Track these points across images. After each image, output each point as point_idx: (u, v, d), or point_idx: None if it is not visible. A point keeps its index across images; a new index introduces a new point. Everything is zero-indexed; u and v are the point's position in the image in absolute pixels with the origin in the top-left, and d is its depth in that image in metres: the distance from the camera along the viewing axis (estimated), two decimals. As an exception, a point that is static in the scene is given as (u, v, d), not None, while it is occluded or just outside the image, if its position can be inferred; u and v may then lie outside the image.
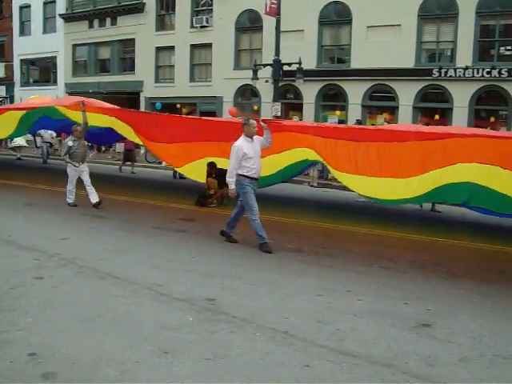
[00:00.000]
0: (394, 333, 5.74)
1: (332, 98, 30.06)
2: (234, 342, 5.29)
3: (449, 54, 27.14)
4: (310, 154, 11.12)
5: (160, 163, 25.19)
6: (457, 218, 13.62)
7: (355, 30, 28.30)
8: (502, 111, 26.22)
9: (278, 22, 23.75)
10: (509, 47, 25.78)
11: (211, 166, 13.79)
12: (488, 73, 25.34)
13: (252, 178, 9.31)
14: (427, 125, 21.54)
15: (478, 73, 25.58)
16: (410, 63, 26.97)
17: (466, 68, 25.70)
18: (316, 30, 29.34)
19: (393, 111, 28.00)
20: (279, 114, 24.35)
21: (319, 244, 9.13)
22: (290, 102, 30.75)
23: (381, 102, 28.59)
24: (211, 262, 8.38)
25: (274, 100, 24.66)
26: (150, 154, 25.54)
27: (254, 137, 9.41)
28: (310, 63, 28.01)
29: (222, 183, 13.84)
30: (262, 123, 9.66)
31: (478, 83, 25.85)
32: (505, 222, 11.32)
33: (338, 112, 29.22)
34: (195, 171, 13.97)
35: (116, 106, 15.36)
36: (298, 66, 24.63)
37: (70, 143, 12.80)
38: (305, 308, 6.38)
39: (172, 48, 34.58)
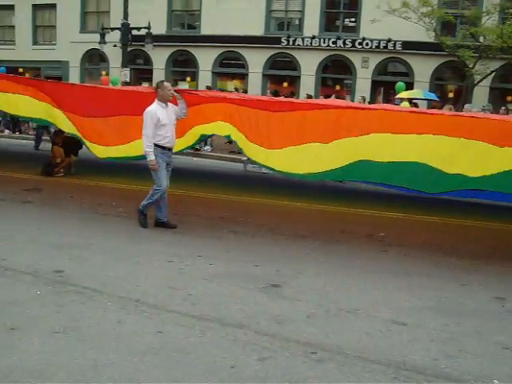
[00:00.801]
0: (245, 294, 5.91)
1: (183, 65, 29.86)
2: (84, 313, 5.19)
3: (297, 23, 27.89)
4: (222, 128, 10.20)
5: (2, 131, 23.74)
6: (308, 182, 13.98)
7: (205, -5, 28.19)
8: (347, 80, 27.48)
9: (126, -16, 23.08)
10: (352, 19, 26.99)
11: (56, 134, 13.22)
12: (334, 43, 26.41)
13: (165, 148, 8.51)
14: (275, 92, 22.06)
15: (324, 42, 26.57)
16: (259, 31, 27.37)
17: (313, 37, 26.56)
18: (166, -6, 28.87)
19: (243, 78, 28.37)
20: (128, 79, 23.81)
21: (171, 211, 9.08)
22: (140, 68, 30.17)
23: (231, 68, 28.85)
24: (59, 233, 8.09)
25: (123, 65, 24.02)
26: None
27: (169, 104, 8.62)
28: (159, 28, 27.54)
29: (69, 151, 13.35)
30: (174, 93, 8.87)
31: (324, 52, 26.87)
32: (358, 185, 11.79)
33: (188, 78, 29.10)
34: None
35: None
36: (147, 30, 24.12)
37: None
38: (156, 275, 6.38)
39: (11, 7, 32.40)
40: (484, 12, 22.77)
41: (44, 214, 9.32)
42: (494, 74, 23.37)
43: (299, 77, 27.34)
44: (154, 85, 9.31)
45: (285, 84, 27.65)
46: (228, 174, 15.49)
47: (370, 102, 20.81)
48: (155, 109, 8.39)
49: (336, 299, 5.95)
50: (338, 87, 27.36)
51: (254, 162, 10.25)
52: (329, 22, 27.29)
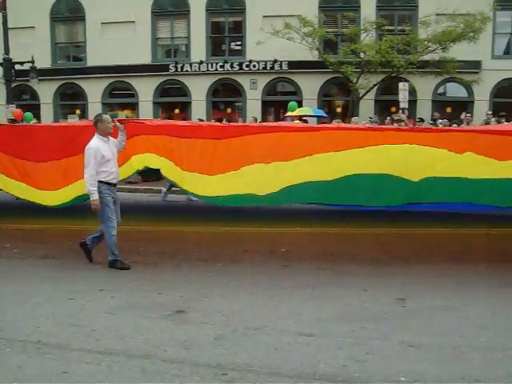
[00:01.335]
0: (150, 324, 5.81)
1: (71, 98, 29.24)
2: (-19, 361, 4.92)
3: (184, 49, 28.08)
4: (152, 161, 9.64)
5: None
6: (202, 206, 13.88)
7: (89, 26, 27.80)
8: (238, 102, 27.87)
9: (5, 18, 22.39)
10: (238, 42, 27.50)
11: None
12: (221, 66, 26.75)
13: (111, 184, 8.17)
14: (170, 117, 22.01)
15: (212, 67, 26.86)
16: (146, 59, 27.28)
17: (201, 62, 26.80)
18: (48, 27, 28.21)
19: (134, 107, 28.13)
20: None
21: (68, 247, 8.86)
22: (27, 104, 29.18)
23: (121, 98, 28.58)
24: None
25: (8, 102, 23.23)
26: None
27: (109, 137, 8.25)
28: (44, 62, 26.84)
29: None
30: (117, 123, 8.47)
31: (213, 77, 27.16)
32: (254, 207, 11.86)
33: (77, 111, 28.51)
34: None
35: None
36: (31, 65, 23.48)
37: None
38: (57, 314, 6.14)
39: None
40: (362, 29, 23.88)
41: None
42: (376, 87, 24.46)
43: (190, 102, 27.43)
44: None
45: (176, 110, 27.67)
46: (125, 204, 15.17)
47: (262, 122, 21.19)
48: (97, 144, 8.01)
49: (242, 318, 5.97)
50: (229, 110, 27.71)
51: (190, 194, 9.89)
52: (215, 47, 27.66)
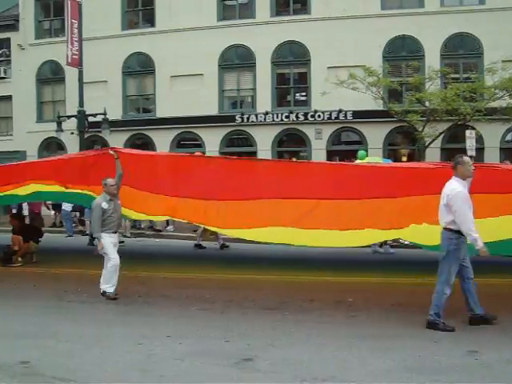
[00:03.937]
0: (218, 371, 5.80)
1: (140, 148, 30.00)
2: (53, 403, 5.02)
3: (250, 100, 28.61)
4: None
5: None
6: (260, 254, 13.84)
7: (159, 79, 28.78)
8: (303, 152, 28.02)
9: (81, 73, 23.39)
10: (303, 93, 27.83)
11: (13, 216, 13.04)
12: (286, 117, 27.06)
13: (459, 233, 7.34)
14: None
15: (277, 117, 27.21)
16: (213, 110, 27.92)
17: (266, 113, 27.21)
18: (120, 81, 29.40)
19: (201, 157, 28.63)
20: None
21: (136, 292, 9.00)
22: (98, 153, 30.21)
23: (188, 149, 29.13)
24: (23, 323, 7.86)
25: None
26: None
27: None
28: (115, 113, 27.78)
29: (28, 237, 13.06)
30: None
31: (278, 127, 27.48)
32: (322, 253, 11.79)
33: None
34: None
35: None
36: (103, 116, 24.37)
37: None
38: (126, 359, 6.21)
39: (-33, 101, 32.51)
40: (427, 78, 23.76)
41: (5, 305, 9.03)
42: (442, 135, 24.16)
43: (256, 152, 27.74)
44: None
45: (242, 160, 28.00)
46: (189, 252, 15.34)
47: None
48: (463, 189, 7.30)
49: (311, 368, 5.87)
50: (294, 160, 27.84)
51: None
52: (280, 98, 28.07)
